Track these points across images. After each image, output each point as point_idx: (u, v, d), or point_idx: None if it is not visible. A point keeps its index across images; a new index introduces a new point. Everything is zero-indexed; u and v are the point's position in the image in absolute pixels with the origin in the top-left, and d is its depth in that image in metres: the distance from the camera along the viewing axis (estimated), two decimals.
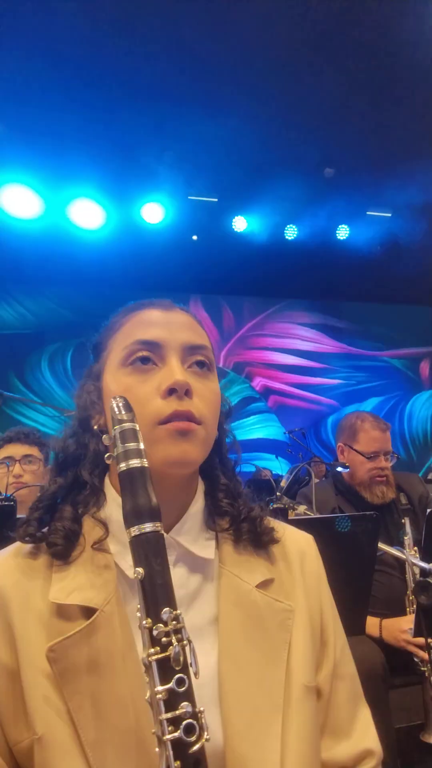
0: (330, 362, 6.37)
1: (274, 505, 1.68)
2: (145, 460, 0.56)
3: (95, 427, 0.72)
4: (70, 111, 3.78)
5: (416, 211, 4.93)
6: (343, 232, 5.28)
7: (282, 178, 4.48)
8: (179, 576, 0.68)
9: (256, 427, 6.03)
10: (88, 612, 0.62)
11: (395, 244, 5.31)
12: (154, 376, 0.67)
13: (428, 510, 1.70)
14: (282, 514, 1.54)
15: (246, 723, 0.62)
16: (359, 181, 4.67)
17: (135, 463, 0.55)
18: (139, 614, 0.53)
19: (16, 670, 0.60)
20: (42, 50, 3.39)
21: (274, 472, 4.78)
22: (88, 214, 4.76)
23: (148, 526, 0.53)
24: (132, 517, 0.53)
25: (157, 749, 0.51)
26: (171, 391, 0.65)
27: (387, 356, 6.57)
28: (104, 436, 0.66)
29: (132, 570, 0.62)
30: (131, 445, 0.56)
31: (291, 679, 0.66)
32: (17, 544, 0.70)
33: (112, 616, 0.62)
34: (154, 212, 4.84)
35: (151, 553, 0.53)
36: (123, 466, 0.55)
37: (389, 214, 5.13)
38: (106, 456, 0.61)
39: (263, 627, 0.67)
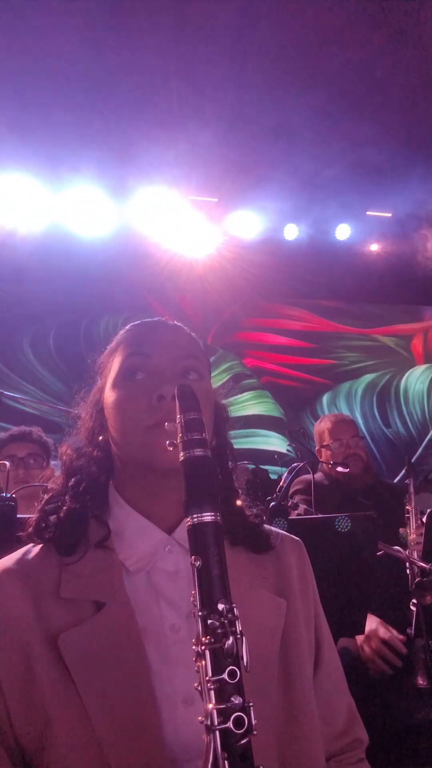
0: (320, 342, 6.34)
1: (273, 505, 1.68)
2: (208, 450, 0.57)
3: (99, 438, 0.78)
4: (69, 112, 3.78)
5: (416, 212, 5.01)
6: (342, 232, 5.31)
7: (280, 178, 4.51)
8: (187, 570, 0.71)
9: (251, 404, 6.01)
10: (97, 605, 0.67)
11: (396, 245, 5.38)
12: (146, 386, 0.72)
13: (428, 510, 1.75)
14: (281, 514, 1.55)
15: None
16: (359, 181, 4.71)
17: (198, 452, 0.56)
18: (194, 601, 0.54)
19: (28, 664, 0.64)
20: (41, 54, 3.39)
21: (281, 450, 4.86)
22: (77, 210, 4.72)
23: (207, 516, 0.54)
24: (192, 505, 0.54)
25: (204, 737, 0.52)
26: (160, 398, 0.70)
27: (378, 334, 6.59)
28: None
29: (135, 567, 0.71)
30: (195, 434, 0.57)
31: (290, 670, 0.72)
32: (27, 546, 0.74)
33: (119, 609, 0.67)
34: (150, 210, 4.81)
35: (209, 542, 0.53)
36: (185, 454, 0.57)
37: (389, 214, 5.19)
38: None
39: (258, 615, 0.72)
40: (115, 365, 0.77)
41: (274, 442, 5.80)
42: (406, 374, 6.53)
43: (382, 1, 3.29)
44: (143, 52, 3.50)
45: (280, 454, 4.90)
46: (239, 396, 5.90)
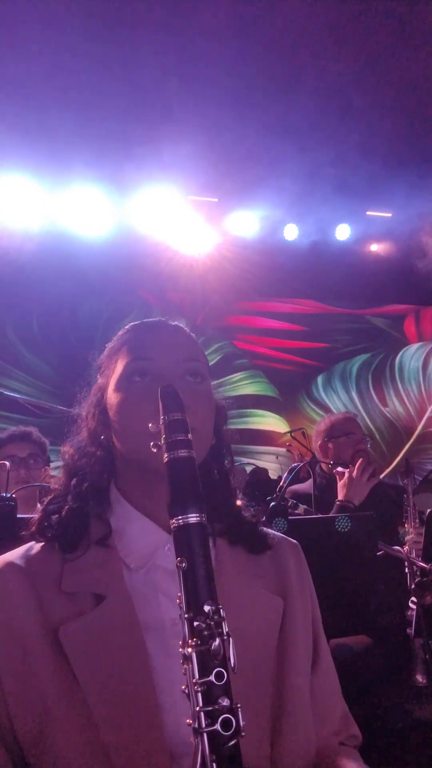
0: (311, 324, 6.26)
1: (273, 505, 1.67)
2: (192, 451, 0.57)
3: (102, 438, 0.79)
4: (68, 112, 3.79)
5: (417, 212, 4.99)
6: (342, 232, 5.30)
7: (280, 178, 4.51)
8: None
9: (243, 384, 5.93)
10: (97, 599, 0.69)
11: (396, 245, 5.36)
12: (150, 388, 0.73)
13: (428, 511, 1.74)
14: (281, 514, 1.54)
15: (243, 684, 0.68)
16: (359, 182, 4.70)
17: (182, 453, 0.56)
18: (180, 604, 0.54)
19: (27, 657, 0.65)
20: (40, 54, 3.39)
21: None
22: (74, 205, 4.73)
23: (192, 517, 0.53)
24: (176, 506, 0.54)
25: (192, 740, 0.52)
26: None
27: (369, 314, 6.51)
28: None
29: (135, 564, 0.71)
30: (179, 435, 0.57)
31: (286, 669, 0.73)
32: (29, 543, 0.75)
33: (119, 601, 0.69)
34: (149, 210, 4.80)
35: (194, 543, 0.53)
36: (169, 455, 0.56)
37: (389, 214, 5.18)
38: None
39: (256, 613, 0.74)
40: (119, 367, 0.78)
41: (271, 422, 5.77)
42: (401, 353, 6.48)
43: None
44: (142, 51, 3.51)
45: (277, 434, 4.83)
46: (231, 376, 5.84)
